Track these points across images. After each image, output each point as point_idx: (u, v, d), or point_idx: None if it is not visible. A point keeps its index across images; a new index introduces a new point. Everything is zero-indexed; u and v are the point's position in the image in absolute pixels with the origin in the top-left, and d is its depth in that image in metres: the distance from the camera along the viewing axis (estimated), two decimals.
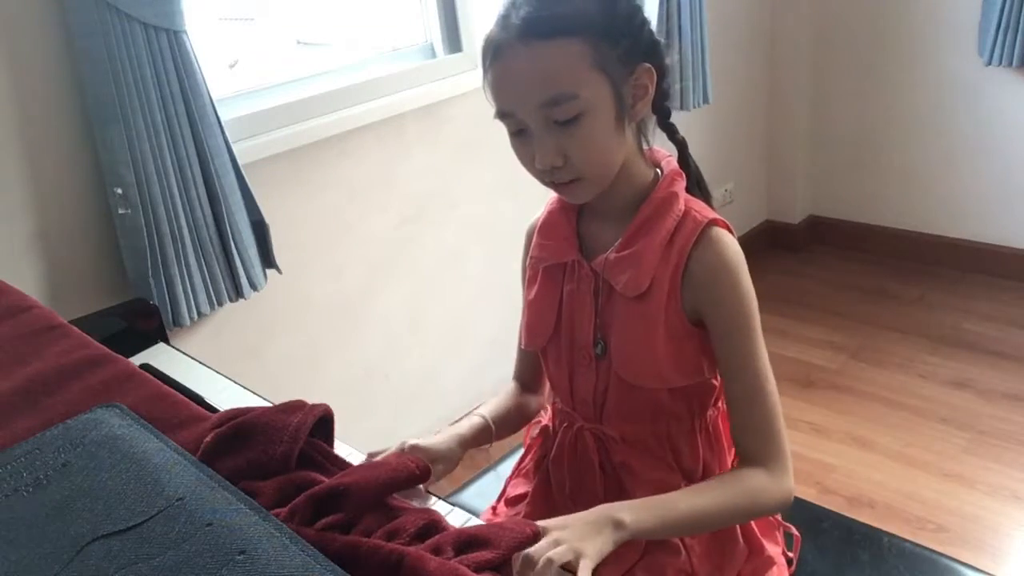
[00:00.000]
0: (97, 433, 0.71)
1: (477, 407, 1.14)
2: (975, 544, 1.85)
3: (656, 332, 0.97)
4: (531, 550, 0.76)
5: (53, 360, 0.93)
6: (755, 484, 0.96)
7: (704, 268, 0.96)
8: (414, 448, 0.99)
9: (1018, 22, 2.52)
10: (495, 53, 0.91)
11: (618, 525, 0.85)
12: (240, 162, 1.60)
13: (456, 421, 1.12)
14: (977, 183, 2.89)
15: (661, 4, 2.38)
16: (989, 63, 2.64)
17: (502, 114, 0.94)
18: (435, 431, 1.08)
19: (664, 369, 0.98)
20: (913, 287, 2.96)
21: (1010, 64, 2.59)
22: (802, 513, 1.27)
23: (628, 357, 1.00)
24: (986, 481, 2.03)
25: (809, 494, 1.99)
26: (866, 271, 3.11)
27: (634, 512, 0.87)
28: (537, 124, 0.91)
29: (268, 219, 1.67)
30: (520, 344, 1.16)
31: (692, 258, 0.96)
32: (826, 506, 1.33)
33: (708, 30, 2.56)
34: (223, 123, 1.56)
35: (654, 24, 2.38)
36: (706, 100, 2.62)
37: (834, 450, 2.19)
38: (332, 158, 1.86)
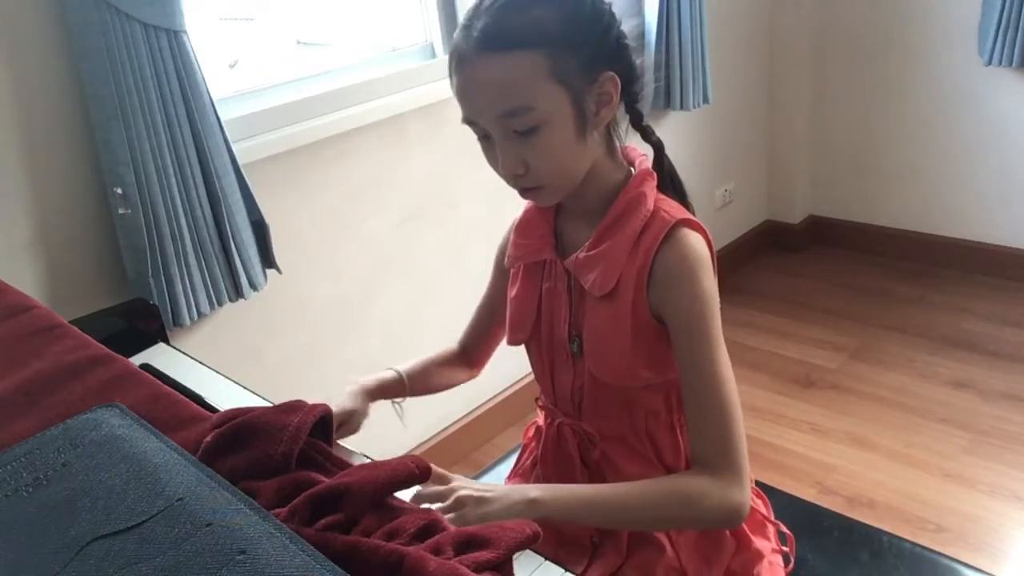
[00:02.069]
0: (97, 433, 0.71)
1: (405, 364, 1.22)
2: (975, 544, 1.85)
3: (624, 330, 0.98)
4: (437, 506, 0.84)
5: (53, 360, 0.93)
6: (693, 491, 0.94)
7: (666, 268, 0.96)
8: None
9: (1018, 22, 2.52)
10: (457, 62, 0.92)
11: (533, 504, 0.89)
12: (240, 162, 1.60)
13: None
14: (977, 183, 2.89)
15: (661, 4, 2.38)
16: (989, 63, 2.64)
17: (468, 121, 0.95)
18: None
19: (634, 366, 0.99)
20: (913, 287, 2.96)
21: (1010, 64, 2.59)
22: (802, 513, 1.27)
23: (599, 355, 1.01)
24: (986, 481, 2.03)
25: (809, 494, 1.99)
26: (866, 271, 3.11)
27: (548, 494, 0.91)
28: (498, 133, 0.93)
29: (268, 219, 1.66)
30: (475, 317, 1.25)
31: (657, 258, 0.96)
32: (826, 506, 1.33)
33: (708, 30, 2.56)
34: (223, 123, 1.55)
35: (654, 23, 2.40)
36: (706, 100, 2.62)
37: (834, 450, 2.19)
38: (332, 158, 1.86)
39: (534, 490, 0.91)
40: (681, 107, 2.55)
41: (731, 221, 3.18)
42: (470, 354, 1.27)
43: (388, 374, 1.18)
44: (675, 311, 0.96)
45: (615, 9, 0.97)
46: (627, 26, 2.75)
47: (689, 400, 0.97)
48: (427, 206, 2.09)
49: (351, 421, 1.12)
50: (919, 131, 2.96)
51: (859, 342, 2.67)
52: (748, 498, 0.95)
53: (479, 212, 2.18)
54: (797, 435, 2.25)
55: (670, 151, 1.07)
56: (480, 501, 0.87)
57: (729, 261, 3.16)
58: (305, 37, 2.11)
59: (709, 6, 2.57)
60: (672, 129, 2.71)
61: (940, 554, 1.18)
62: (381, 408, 1.31)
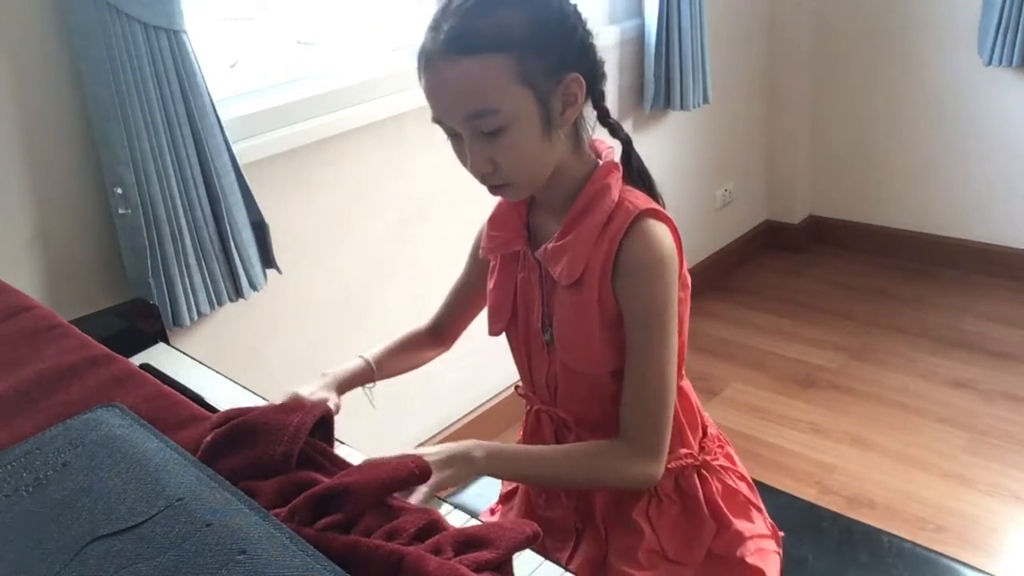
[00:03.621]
0: (97, 433, 0.71)
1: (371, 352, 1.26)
2: (975, 544, 1.85)
3: (590, 319, 1.01)
4: None
5: (53, 360, 0.93)
6: (615, 457, 1.02)
7: (630, 259, 0.98)
8: (295, 396, 1.09)
9: (1018, 22, 2.52)
10: (425, 63, 0.94)
11: (471, 462, 0.96)
12: (240, 162, 1.60)
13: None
14: (977, 183, 2.89)
15: (661, 4, 2.38)
16: (989, 63, 2.64)
17: (437, 120, 0.98)
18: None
19: (601, 354, 1.02)
20: (913, 287, 2.96)
21: (1010, 64, 2.59)
22: (802, 513, 1.28)
23: (567, 343, 1.04)
24: (986, 481, 2.03)
25: (809, 494, 1.99)
26: (866, 271, 3.11)
27: (488, 452, 0.97)
28: (466, 133, 0.95)
29: (268, 219, 1.66)
30: (448, 298, 1.30)
31: (622, 247, 0.99)
32: (826, 506, 1.33)
33: (708, 30, 2.56)
34: (223, 123, 1.55)
35: (654, 24, 2.40)
36: (706, 100, 2.62)
37: (834, 450, 2.19)
38: (332, 158, 1.86)
39: (478, 450, 0.97)
40: (681, 107, 2.54)
41: (731, 221, 3.18)
42: (442, 332, 1.31)
43: (356, 362, 1.22)
44: (634, 301, 0.99)
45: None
46: (627, 26, 2.75)
47: (630, 379, 1.01)
48: (427, 206, 2.09)
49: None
50: (919, 131, 2.96)
51: (859, 342, 2.67)
52: (662, 470, 1.02)
53: (479, 212, 2.17)
54: (797, 435, 2.25)
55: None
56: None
57: (729, 261, 3.16)
58: (305, 37, 2.11)
59: (709, 6, 2.57)
60: (672, 129, 2.71)
61: (940, 554, 1.18)
62: (380, 409, 1.31)
